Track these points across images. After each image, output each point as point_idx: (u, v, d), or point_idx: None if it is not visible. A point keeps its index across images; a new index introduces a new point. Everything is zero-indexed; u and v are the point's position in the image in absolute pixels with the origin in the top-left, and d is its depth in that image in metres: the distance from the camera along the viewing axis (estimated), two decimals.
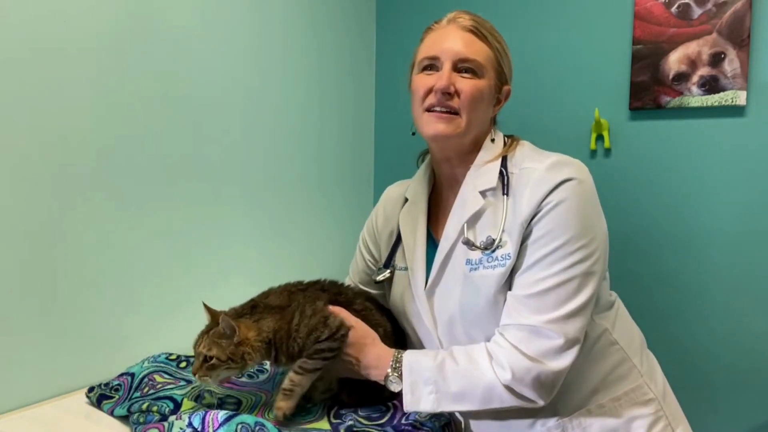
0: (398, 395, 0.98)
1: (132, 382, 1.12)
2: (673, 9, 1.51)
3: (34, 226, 1.12)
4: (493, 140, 1.06)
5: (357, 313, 1.06)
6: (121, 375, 1.15)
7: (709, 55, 1.47)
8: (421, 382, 0.94)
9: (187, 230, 1.42)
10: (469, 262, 0.99)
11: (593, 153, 1.68)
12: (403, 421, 0.97)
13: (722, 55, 1.46)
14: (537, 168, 0.96)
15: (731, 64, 1.45)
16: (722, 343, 1.53)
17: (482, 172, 1.02)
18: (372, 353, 1.00)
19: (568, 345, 0.90)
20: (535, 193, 0.93)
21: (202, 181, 1.46)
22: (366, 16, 2.04)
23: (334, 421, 0.99)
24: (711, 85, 1.47)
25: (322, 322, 0.97)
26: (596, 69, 1.65)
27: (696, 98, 1.50)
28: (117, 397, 1.09)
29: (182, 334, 1.42)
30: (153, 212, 1.34)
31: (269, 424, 0.88)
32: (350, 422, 0.95)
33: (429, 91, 1.01)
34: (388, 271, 1.15)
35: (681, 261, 1.57)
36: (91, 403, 1.11)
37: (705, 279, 1.55)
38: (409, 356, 0.98)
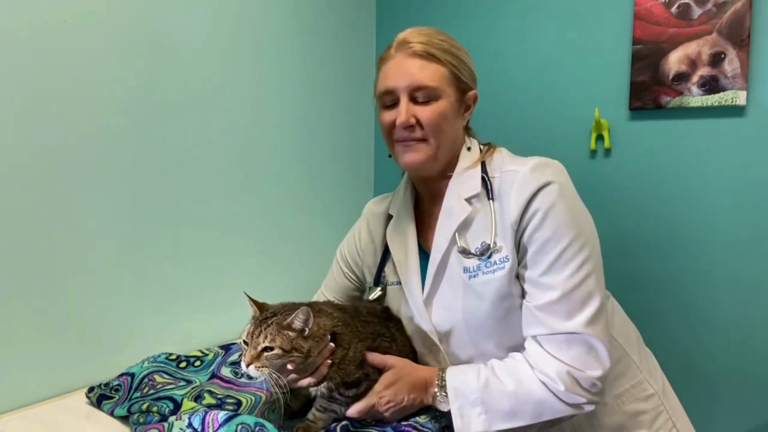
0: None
1: (132, 382, 1.12)
2: (673, 9, 1.51)
3: (36, 226, 1.12)
4: (469, 148, 1.07)
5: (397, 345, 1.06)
6: (121, 375, 1.15)
7: (709, 55, 1.47)
8: (468, 405, 0.93)
9: (188, 232, 1.43)
10: (466, 270, 0.99)
11: (593, 153, 1.67)
12: (403, 422, 0.97)
13: (722, 55, 1.45)
14: (520, 170, 0.97)
15: (731, 64, 1.45)
16: (722, 344, 1.53)
17: (464, 179, 1.02)
18: (417, 381, 0.98)
19: (604, 346, 0.90)
20: (521, 194, 0.94)
21: (205, 184, 1.46)
22: (366, 17, 2.04)
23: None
24: (711, 85, 1.47)
25: (363, 375, 0.96)
26: (596, 69, 1.65)
27: (696, 98, 1.50)
28: (117, 397, 1.10)
29: (182, 335, 1.42)
30: (154, 214, 1.34)
31: (269, 425, 0.88)
32: (345, 422, 0.95)
33: (393, 126, 1.01)
34: (379, 288, 1.15)
35: (681, 261, 1.57)
36: (91, 403, 1.11)
37: (705, 279, 1.55)
38: (452, 378, 0.96)
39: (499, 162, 1.03)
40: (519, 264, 0.96)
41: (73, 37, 1.16)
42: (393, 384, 0.97)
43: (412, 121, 0.99)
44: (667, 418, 1.03)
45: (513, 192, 0.95)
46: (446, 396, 0.95)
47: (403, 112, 0.98)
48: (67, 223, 1.17)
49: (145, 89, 1.30)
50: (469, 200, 1.01)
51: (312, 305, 0.96)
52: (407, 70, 0.99)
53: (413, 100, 0.99)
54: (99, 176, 1.22)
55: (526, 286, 0.95)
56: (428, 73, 0.98)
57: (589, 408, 0.92)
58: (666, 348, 1.40)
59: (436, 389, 0.96)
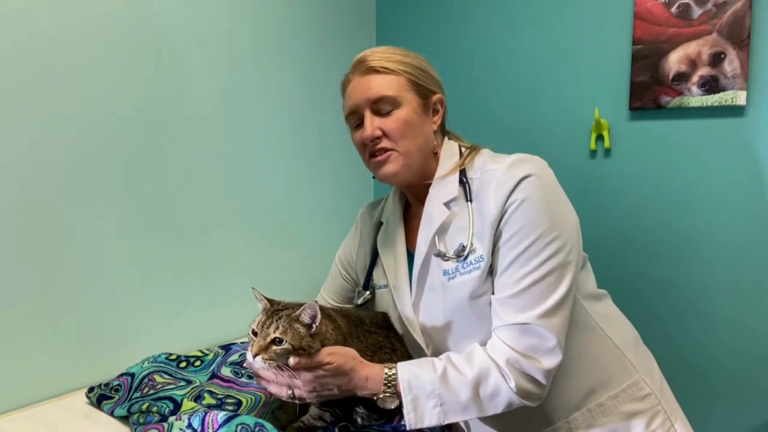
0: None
1: (132, 382, 1.12)
2: (673, 9, 1.51)
3: (37, 226, 1.12)
4: (447, 151, 1.08)
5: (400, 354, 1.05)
6: (121, 375, 1.15)
7: (709, 55, 1.47)
8: (423, 397, 0.90)
9: (188, 233, 1.43)
10: (446, 272, 1.00)
11: (593, 153, 1.67)
12: (402, 422, 0.97)
13: (722, 55, 1.45)
14: (498, 169, 0.97)
15: (731, 64, 1.45)
16: (722, 344, 1.54)
17: (443, 184, 1.04)
18: (358, 376, 0.91)
19: (558, 341, 0.91)
20: (499, 192, 0.94)
21: (206, 186, 1.46)
22: (366, 17, 2.04)
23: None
24: (711, 85, 1.47)
25: None
26: (596, 69, 1.65)
27: (696, 98, 1.50)
28: (117, 397, 1.10)
29: (182, 335, 1.42)
30: (154, 215, 1.34)
31: (269, 425, 0.88)
32: (344, 423, 0.95)
33: (364, 143, 1.04)
34: (368, 292, 1.16)
35: (681, 261, 1.57)
36: (91, 403, 1.11)
37: (704, 279, 1.55)
38: (405, 372, 0.92)
39: (480, 163, 1.03)
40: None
41: (74, 37, 1.16)
42: (336, 376, 0.90)
43: (378, 133, 1.01)
44: (665, 418, 1.03)
45: (492, 191, 0.96)
46: (393, 395, 0.91)
47: (368, 126, 1.02)
48: (68, 224, 1.17)
49: (145, 93, 1.30)
50: (447, 204, 1.02)
51: (322, 309, 0.94)
52: (364, 86, 1.02)
53: (376, 113, 1.02)
54: (100, 177, 1.22)
55: (494, 280, 0.96)
56: (385, 84, 1.01)
57: (537, 400, 0.92)
58: (664, 348, 1.40)
59: (381, 389, 0.91)
